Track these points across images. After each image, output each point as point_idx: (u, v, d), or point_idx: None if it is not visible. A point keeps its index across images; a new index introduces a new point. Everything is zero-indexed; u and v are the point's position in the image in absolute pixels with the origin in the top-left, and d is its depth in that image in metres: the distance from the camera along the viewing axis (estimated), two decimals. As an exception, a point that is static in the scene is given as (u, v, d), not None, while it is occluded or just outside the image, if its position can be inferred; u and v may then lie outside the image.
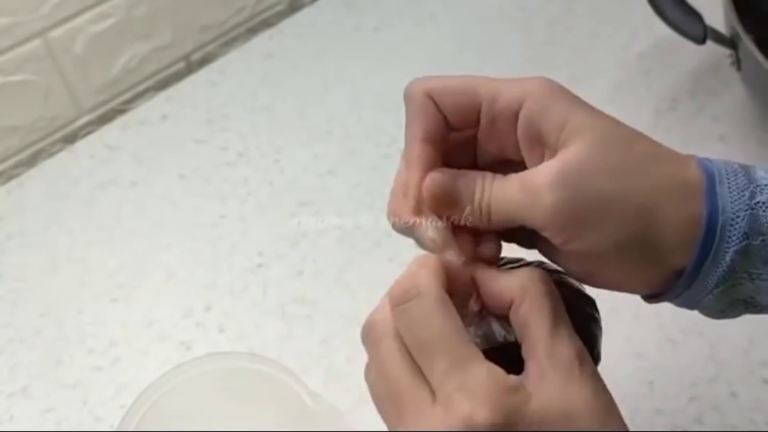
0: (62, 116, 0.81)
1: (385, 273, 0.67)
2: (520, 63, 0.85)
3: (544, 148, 0.35)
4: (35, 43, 0.76)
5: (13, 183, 0.78)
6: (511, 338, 0.36)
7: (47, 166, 0.79)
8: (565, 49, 0.86)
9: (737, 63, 0.73)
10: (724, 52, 0.74)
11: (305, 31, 0.90)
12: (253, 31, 0.92)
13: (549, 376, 0.32)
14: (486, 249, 0.37)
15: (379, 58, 0.87)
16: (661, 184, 0.34)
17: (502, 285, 0.35)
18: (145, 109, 0.84)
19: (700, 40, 0.72)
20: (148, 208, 0.75)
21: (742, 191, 0.34)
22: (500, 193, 0.35)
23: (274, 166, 0.77)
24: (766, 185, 0.35)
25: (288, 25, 0.91)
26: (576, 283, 0.40)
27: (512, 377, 0.32)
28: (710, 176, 0.35)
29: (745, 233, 0.34)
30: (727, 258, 0.34)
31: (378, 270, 0.68)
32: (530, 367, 0.33)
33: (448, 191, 0.36)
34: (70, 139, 0.82)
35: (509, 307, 0.35)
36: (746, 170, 0.35)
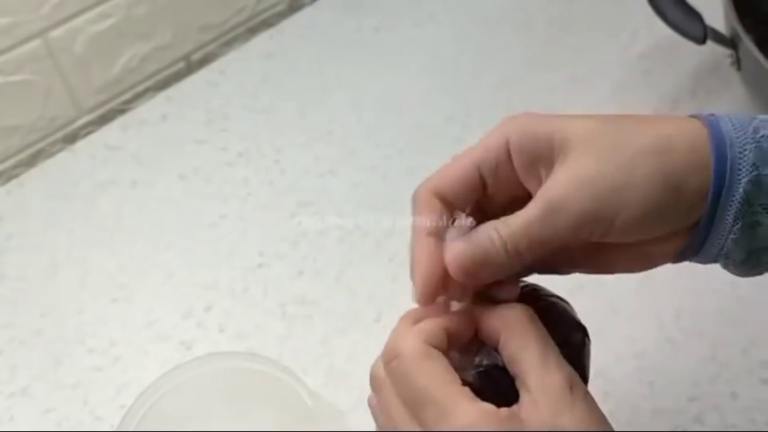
0: (62, 116, 0.81)
1: (385, 273, 0.67)
2: (520, 64, 0.85)
3: (540, 168, 0.37)
4: (35, 43, 0.76)
5: (13, 183, 0.78)
6: None
7: (47, 166, 0.79)
8: (565, 50, 0.86)
9: (737, 63, 0.73)
10: (724, 52, 0.74)
11: (305, 31, 0.90)
12: (253, 31, 0.92)
13: (541, 406, 0.34)
14: (504, 293, 0.38)
15: (379, 59, 0.87)
16: (668, 139, 0.35)
17: (488, 323, 0.36)
18: (145, 109, 0.84)
19: (700, 40, 0.72)
20: (148, 208, 0.75)
21: (746, 126, 0.36)
22: (518, 223, 0.36)
23: (274, 167, 0.77)
24: None
25: (288, 25, 0.91)
26: (568, 308, 0.40)
27: (503, 410, 0.33)
28: (711, 118, 0.36)
29: (754, 164, 0.35)
30: (741, 189, 0.35)
31: (378, 270, 0.68)
32: (523, 398, 0.34)
33: (472, 257, 0.36)
34: (70, 139, 0.82)
35: (498, 343, 0.36)
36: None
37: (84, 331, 0.66)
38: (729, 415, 0.58)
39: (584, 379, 0.39)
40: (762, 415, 0.58)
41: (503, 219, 0.36)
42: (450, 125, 0.79)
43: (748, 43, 0.68)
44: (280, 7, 0.94)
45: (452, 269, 0.36)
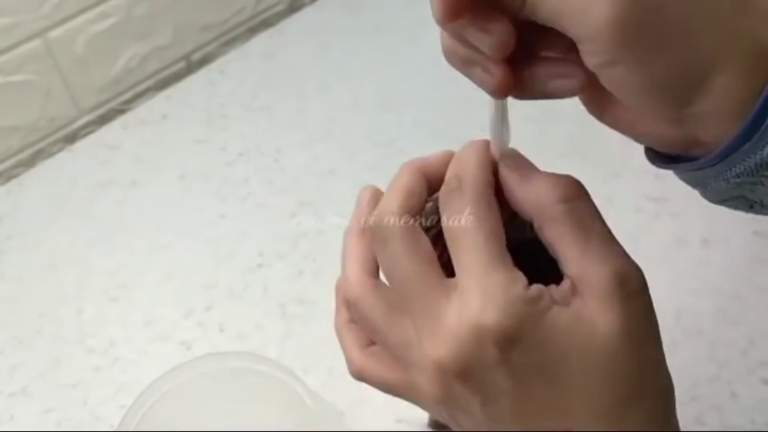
0: (62, 116, 0.81)
1: (385, 273, 0.67)
2: (520, 63, 0.85)
3: None
4: (35, 43, 0.76)
5: (13, 183, 0.78)
6: None
7: (47, 166, 0.79)
8: (565, 49, 0.86)
9: (737, 63, 0.72)
10: (724, 52, 0.74)
11: (305, 31, 0.90)
12: (253, 31, 0.92)
13: (586, 297, 0.30)
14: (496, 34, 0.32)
15: (378, 58, 0.87)
16: (737, 42, 0.28)
17: (520, 198, 0.33)
18: (145, 109, 0.84)
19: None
20: (148, 207, 0.75)
21: None
22: None
23: (274, 166, 0.77)
24: None
25: (288, 25, 0.91)
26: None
27: (533, 289, 0.30)
28: None
29: None
30: (765, 152, 0.29)
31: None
32: (565, 281, 0.31)
33: None
34: (70, 139, 0.82)
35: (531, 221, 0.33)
36: None
37: (83, 331, 0.66)
38: (729, 415, 0.58)
39: None
40: (762, 415, 0.58)
41: None
42: (450, 125, 0.79)
43: (748, 43, 0.68)
44: (280, 7, 0.94)
45: None
